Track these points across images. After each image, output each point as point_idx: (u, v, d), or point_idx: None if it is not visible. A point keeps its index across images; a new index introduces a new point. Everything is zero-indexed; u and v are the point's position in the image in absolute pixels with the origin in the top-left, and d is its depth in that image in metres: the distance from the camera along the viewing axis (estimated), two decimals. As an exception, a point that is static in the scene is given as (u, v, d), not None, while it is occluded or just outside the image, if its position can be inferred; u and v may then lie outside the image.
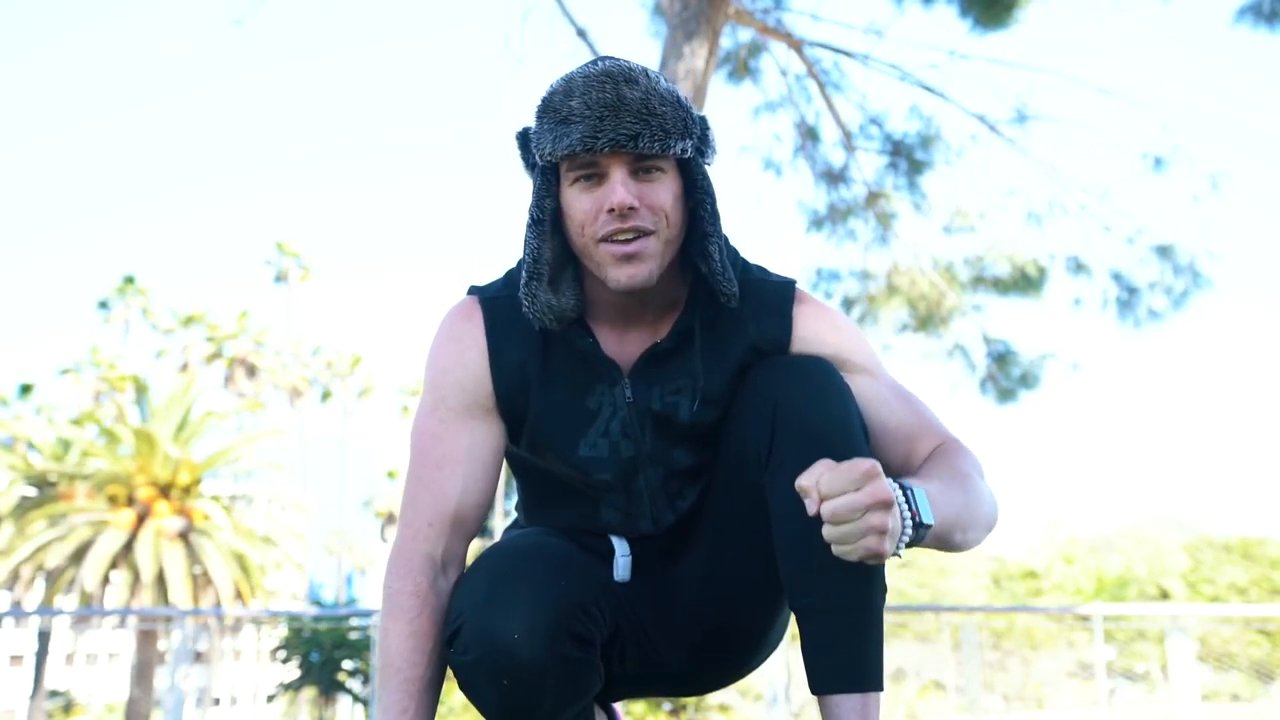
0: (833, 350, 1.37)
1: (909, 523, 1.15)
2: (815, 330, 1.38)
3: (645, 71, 1.28)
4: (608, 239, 1.26)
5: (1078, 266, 8.01)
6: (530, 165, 1.33)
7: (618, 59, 1.30)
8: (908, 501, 1.16)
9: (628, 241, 1.26)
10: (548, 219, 1.30)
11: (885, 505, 1.09)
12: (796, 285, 1.41)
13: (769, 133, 8.53)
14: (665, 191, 1.27)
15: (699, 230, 1.31)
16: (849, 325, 1.42)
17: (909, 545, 1.18)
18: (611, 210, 1.24)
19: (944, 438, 1.38)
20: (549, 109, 1.27)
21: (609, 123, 1.22)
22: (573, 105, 1.24)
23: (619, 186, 1.24)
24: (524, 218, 1.32)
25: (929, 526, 1.17)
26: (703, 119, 1.32)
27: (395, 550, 1.33)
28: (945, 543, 1.25)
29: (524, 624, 1.17)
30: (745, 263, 1.41)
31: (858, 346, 1.39)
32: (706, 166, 1.32)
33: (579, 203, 1.27)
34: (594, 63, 1.29)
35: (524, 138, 1.33)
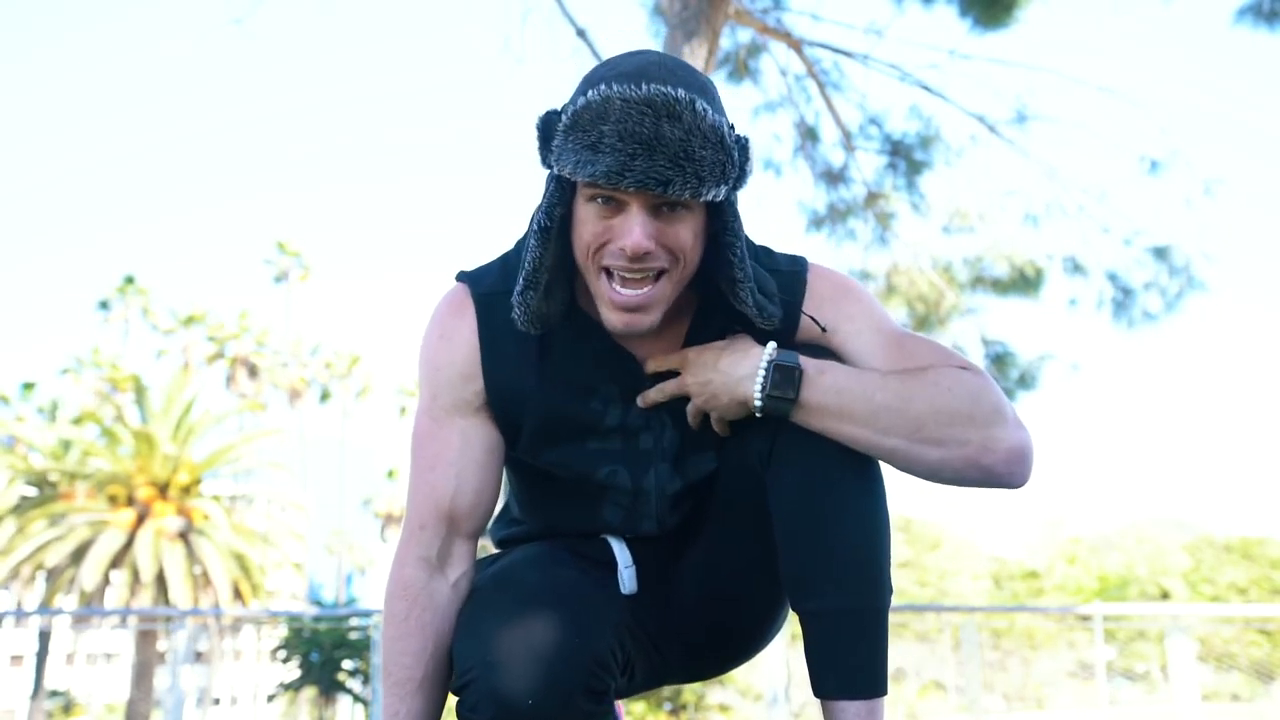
0: (830, 320, 1.31)
1: (765, 372, 1.24)
2: (814, 311, 1.32)
3: (692, 104, 1.13)
4: (611, 273, 1.20)
5: (1075, 267, 8.02)
6: (546, 163, 1.21)
7: (664, 78, 1.16)
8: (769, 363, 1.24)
9: (635, 283, 1.19)
10: (555, 227, 1.22)
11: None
12: (807, 270, 1.35)
13: (769, 133, 8.53)
14: (686, 231, 1.19)
15: (727, 274, 1.24)
16: (849, 292, 1.34)
17: (779, 393, 1.23)
18: (623, 248, 1.16)
19: (936, 361, 1.26)
20: (577, 126, 1.14)
21: (640, 162, 1.11)
22: (604, 130, 1.12)
23: (636, 229, 1.15)
24: (529, 221, 1.25)
25: (796, 370, 1.23)
26: (743, 147, 1.19)
27: (394, 554, 1.31)
28: (873, 418, 1.21)
29: (539, 687, 1.12)
30: (753, 245, 1.35)
31: (853, 309, 1.32)
32: (739, 193, 1.23)
33: (591, 224, 1.19)
34: (638, 81, 1.14)
35: (545, 127, 1.20)
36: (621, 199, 1.16)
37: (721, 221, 1.22)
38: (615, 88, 1.14)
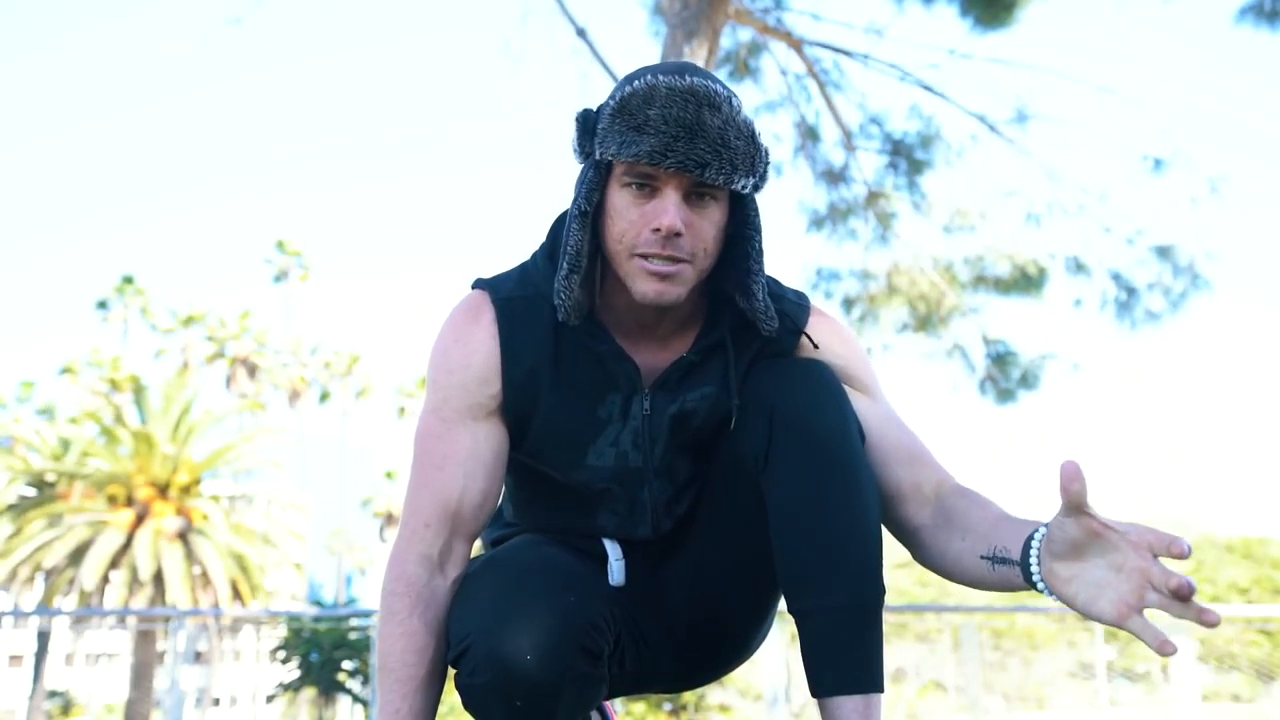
0: (839, 362, 1.38)
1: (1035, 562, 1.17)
2: (821, 339, 1.38)
3: (729, 99, 1.24)
4: (643, 255, 1.24)
5: (1077, 267, 8.01)
6: (585, 153, 1.29)
7: (704, 75, 1.25)
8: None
9: (664, 264, 1.24)
10: (592, 212, 1.28)
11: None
12: (811, 302, 1.41)
13: (769, 132, 8.52)
14: (711, 222, 1.25)
15: (743, 265, 1.30)
16: (856, 343, 1.43)
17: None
18: (657, 229, 1.22)
19: (945, 471, 1.37)
20: (625, 110, 1.22)
21: (682, 144, 1.19)
22: (650, 114, 1.20)
23: (672, 208, 1.21)
24: (571, 207, 1.29)
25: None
26: (766, 150, 1.29)
27: (393, 550, 1.32)
28: None
29: (537, 644, 1.15)
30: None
31: (862, 365, 1.40)
32: (758, 193, 1.30)
33: (626, 210, 1.24)
34: (680, 73, 1.24)
35: (584, 121, 1.29)
36: (657, 184, 1.23)
37: (743, 215, 1.29)
38: (661, 78, 1.23)
